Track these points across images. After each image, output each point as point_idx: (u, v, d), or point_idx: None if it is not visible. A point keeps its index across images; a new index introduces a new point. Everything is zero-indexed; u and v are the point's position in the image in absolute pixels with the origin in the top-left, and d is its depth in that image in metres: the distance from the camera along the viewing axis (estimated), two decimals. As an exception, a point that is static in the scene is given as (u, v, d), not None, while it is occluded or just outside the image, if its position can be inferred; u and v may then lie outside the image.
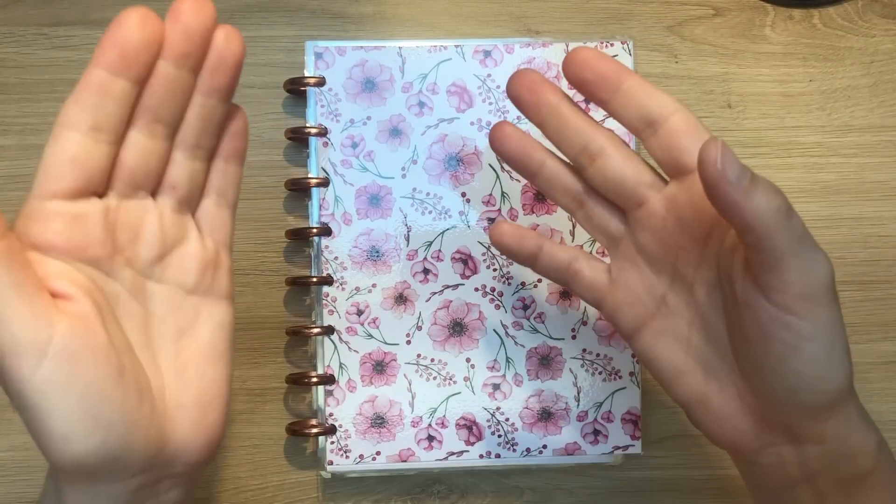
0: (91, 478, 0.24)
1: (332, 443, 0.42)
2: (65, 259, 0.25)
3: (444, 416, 0.42)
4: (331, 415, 0.42)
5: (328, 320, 0.42)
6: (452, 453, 0.42)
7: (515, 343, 0.43)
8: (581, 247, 0.43)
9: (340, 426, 0.42)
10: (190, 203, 0.28)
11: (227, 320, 0.29)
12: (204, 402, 0.27)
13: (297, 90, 0.43)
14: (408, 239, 0.43)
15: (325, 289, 0.42)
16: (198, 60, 0.26)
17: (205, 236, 0.29)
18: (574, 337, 0.43)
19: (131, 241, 0.26)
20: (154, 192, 0.27)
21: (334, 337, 0.42)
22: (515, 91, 0.32)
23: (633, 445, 0.43)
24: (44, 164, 0.25)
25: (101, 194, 0.26)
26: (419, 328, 0.42)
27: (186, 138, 0.27)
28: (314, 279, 0.42)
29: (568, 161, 0.33)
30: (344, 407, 0.42)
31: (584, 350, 0.43)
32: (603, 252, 0.43)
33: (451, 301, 0.43)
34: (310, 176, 0.42)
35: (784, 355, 0.27)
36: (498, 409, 0.43)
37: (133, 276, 0.27)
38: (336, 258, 0.42)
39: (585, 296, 0.34)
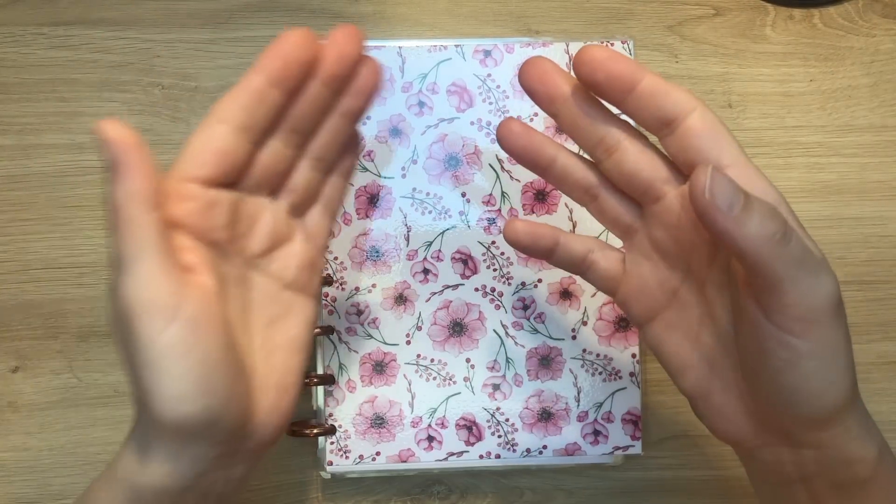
0: (185, 438, 0.26)
1: (332, 443, 0.42)
2: (190, 238, 0.27)
3: (444, 416, 0.42)
4: (330, 415, 0.42)
5: (328, 320, 0.42)
6: (452, 454, 0.42)
7: (515, 343, 0.43)
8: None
9: (340, 426, 0.42)
10: (301, 207, 0.31)
11: (312, 317, 0.32)
12: (282, 386, 0.30)
13: (296, 90, 0.43)
14: (408, 239, 0.42)
15: (325, 289, 0.42)
16: (343, 84, 0.28)
17: (308, 239, 0.31)
18: (574, 337, 0.43)
19: (246, 233, 0.29)
20: (273, 193, 0.30)
21: (334, 337, 0.42)
22: (527, 82, 0.31)
23: (633, 446, 0.43)
24: (190, 150, 0.27)
25: (232, 186, 0.28)
26: (419, 328, 0.42)
27: (315, 150, 0.30)
28: (314, 279, 0.42)
29: (580, 154, 0.32)
30: (344, 407, 0.42)
31: (584, 350, 0.43)
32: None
33: (451, 301, 0.43)
34: (310, 176, 0.42)
35: (781, 370, 0.26)
36: (498, 409, 0.43)
37: (241, 265, 0.29)
38: (336, 258, 0.42)
39: (599, 285, 0.34)
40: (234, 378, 0.27)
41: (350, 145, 0.32)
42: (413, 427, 0.42)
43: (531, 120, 0.43)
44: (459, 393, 0.42)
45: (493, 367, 0.43)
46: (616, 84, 0.28)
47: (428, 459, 0.42)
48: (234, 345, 0.27)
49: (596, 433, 0.43)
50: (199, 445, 0.26)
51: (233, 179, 0.28)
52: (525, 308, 0.43)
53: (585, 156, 0.32)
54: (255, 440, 0.29)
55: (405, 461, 0.42)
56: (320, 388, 0.42)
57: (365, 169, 0.42)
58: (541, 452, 0.42)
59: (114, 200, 0.25)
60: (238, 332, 0.28)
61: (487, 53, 0.43)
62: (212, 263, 0.27)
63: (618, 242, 0.38)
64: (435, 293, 0.43)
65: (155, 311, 0.24)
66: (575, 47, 0.43)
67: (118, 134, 0.25)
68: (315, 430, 0.41)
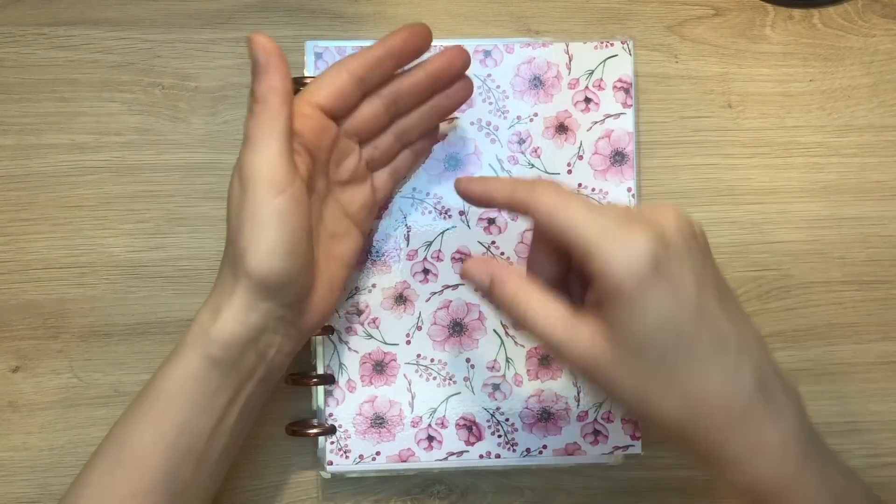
0: (263, 292, 0.32)
1: (332, 443, 0.42)
2: (301, 145, 0.34)
3: (444, 416, 0.42)
4: (330, 415, 0.42)
5: (328, 320, 0.42)
6: (452, 453, 0.42)
7: (515, 343, 0.43)
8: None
9: (340, 426, 0.42)
10: (375, 164, 0.39)
11: (360, 246, 0.39)
12: (331, 285, 0.36)
13: (297, 90, 0.43)
14: (408, 239, 0.42)
15: (325, 289, 0.42)
16: (443, 85, 0.38)
17: (373, 189, 0.39)
18: (574, 337, 0.43)
19: (337, 162, 0.37)
20: (362, 143, 0.38)
21: (334, 337, 0.42)
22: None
23: (633, 446, 0.43)
24: (321, 81, 0.35)
25: (337, 121, 0.36)
26: (419, 328, 0.42)
27: (404, 125, 0.38)
28: (314, 279, 0.42)
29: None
30: (344, 407, 0.42)
31: (584, 350, 0.43)
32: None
33: (451, 301, 0.43)
34: (310, 176, 0.42)
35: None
36: (498, 409, 0.43)
37: (325, 184, 0.37)
38: (336, 258, 0.42)
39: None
40: (309, 256, 0.33)
41: (430, 134, 0.40)
42: (413, 427, 0.42)
43: (531, 120, 0.43)
44: (459, 393, 0.42)
45: (493, 367, 0.43)
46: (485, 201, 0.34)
47: (428, 459, 0.42)
48: (312, 231, 0.34)
49: (596, 433, 0.43)
50: (271, 301, 0.33)
51: (341, 114, 0.36)
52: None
53: None
54: (306, 319, 0.35)
55: (405, 461, 0.42)
56: (320, 388, 0.42)
57: (365, 169, 0.42)
58: (541, 452, 0.42)
59: (256, 91, 0.32)
60: (312, 227, 0.35)
61: (487, 53, 0.43)
62: (309, 169, 0.34)
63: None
64: (435, 293, 0.43)
65: (272, 181, 0.31)
66: (575, 47, 0.43)
67: (266, 42, 0.32)
68: (315, 430, 0.41)
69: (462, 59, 0.37)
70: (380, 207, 0.41)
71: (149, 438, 0.33)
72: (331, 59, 0.42)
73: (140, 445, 0.33)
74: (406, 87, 0.37)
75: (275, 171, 0.31)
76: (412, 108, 0.38)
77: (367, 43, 0.42)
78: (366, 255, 0.42)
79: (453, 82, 0.38)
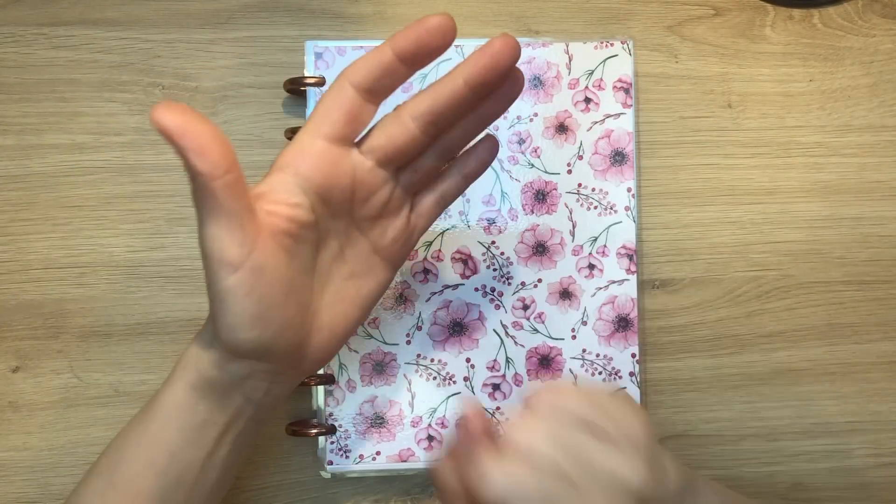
0: (237, 356, 0.30)
1: (332, 443, 0.42)
2: (311, 189, 0.30)
3: (444, 416, 0.42)
4: (331, 415, 0.42)
5: (328, 320, 0.42)
6: (452, 453, 0.42)
7: (515, 343, 0.43)
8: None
9: (340, 426, 0.42)
10: (416, 186, 0.34)
11: (386, 283, 0.35)
12: (336, 332, 0.33)
13: (297, 90, 0.43)
14: (408, 239, 0.42)
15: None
16: (489, 90, 0.31)
17: (412, 218, 0.34)
18: (574, 337, 0.43)
19: (363, 199, 0.32)
20: (400, 169, 0.33)
21: (334, 337, 0.42)
22: None
23: (633, 445, 0.43)
24: (324, 107, 0.30)
25: (360, 151, 0.31)
26: (419, 328, 0.42)
27: (446, 144, 0.33)
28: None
29: None
30: (344, 407, 0.42)
31: (584, 350, 0.43)
32: (603, 251, 0.43)
33: (451, 301, 0.43)
34: (310, 176, 0.42)
35: None
36: (498, 409, 0.43)
37: (347, 223, 0.33)
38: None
39: None
40: (290, 318, 0.30)
41: (481, 150, 0.35)
42: (413, 427, 0.42)
43: (531, 120, 0.43)
44: (459, 393, 0.42)
45: (493, 367, 0.43)
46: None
47: (428, 459, 0.42)
48: (295, 288, 0.30)
49: (596, 433, 0.43)
50: (249, 360, 0.31)
51: (356, 136, 0.31)
52: (525, 308, 0.43)
53: None
54: (299, 368, 0.33)
55: (405, 461, 0.42)
56: (320, 388, 0.42)
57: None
58: (541, 452, 0.42)
59: (187, 170, 0.27)
60: (315, 276, 0.32)
61: (487, 53, 0.43)
62: (314, 215, 0.31)
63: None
64: (435, 293, 0.43)
65: (221, 261, 0.28)
66: (575, 47, 0.43)
67: (171, 121, 0.26)
68: (315, 430, 0.41)
69: (510, 52, 0.29)
70: (418, 235, 0.35)
71: (141, 464, 0.32)
72: (330, 59, 0.42)
73: (132, 470, 0.32)
74: (443, 103, 0.30)
75: (223, 251, 0.28)
76: (454, 123, 0.32)
77: (368, 43, 0.43)
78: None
79: (502, 82, 0.31)
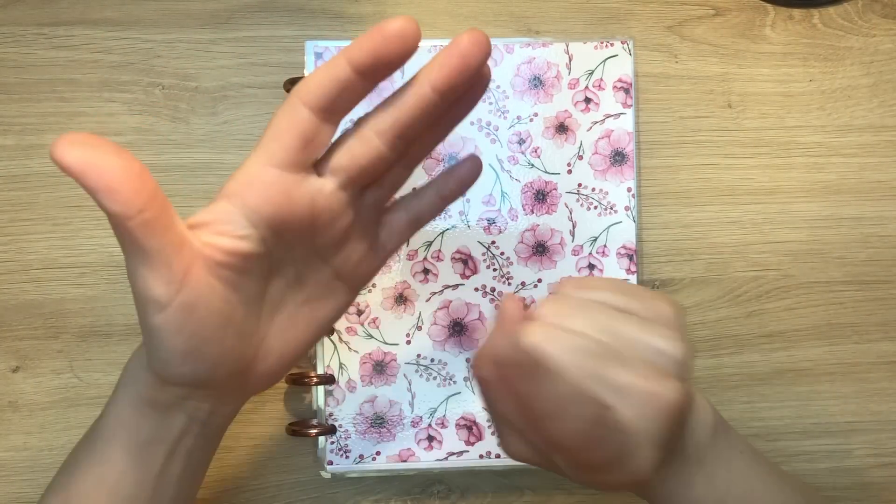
0: (172, 385, 0.29)
1: (332, 443, 0.42)
2: (261, 222, 0.27)
3: (444, 416, 0.42)
4: (331, 415, 0.42)
5: (328, 320, 0.42)
6: (452, 453, 0.42)
7: (515, 343, 0.43)
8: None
9: (340, 426, 0.42)
10: (383, 202, 0.31)
11: (345, 307, 0.33)
12: (284, 357, 0.31)
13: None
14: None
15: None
16: (458, 92, 0.27)
17: (382, 241, 0.32)
18: (574, 337, 0.43)
19: (325, 226, 0.29)
20: (364, 188, 0.30)
21: (334, 337, 0.42)
22: None
23: (633, 445, 0.43)
24: (275, 130, 0.27)
25: (319, 173, 0.28)
26: (419, 328, 0.42)
27: (412, 155, 0.31)
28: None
29: None
30: (344, 407, 0.42)
31: (584, 350, 0.43)
32: (603, 252, 0.43)
33: (451, 301, 0.43)
34: (310, 176, 0.42)
35: None
36: (498, 409, 0.43)
37: (306, 251, 0.30)
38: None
39: None
40: (228, 349, 0.28)
41: (462, 172, 0.32)
42: (413, 427, 0.42)
43: (531, 120, 0.43)
44: (459, 393, 0.42)
45: (493, 367, 0.43)
46: None
47: (428, 459, 0.42)
48: (234, 320, 0.28)
49: (596, 433, 0.43)
50: (187, 392, 0.30)
51: (313, 160, 0.28)
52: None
53: None
54: (243, 392, 0.31)
55: (405, 461, 0.42)
56: (320, 388, 0.42)
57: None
58: (541, 452, 0.42)
59: (105, 212, 0.25)
60: (264, 303, 0.30)
61: (487, 53, 0.43)
62: (265, 250, 0.28)
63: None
64: (435, 293, 0.43)
65: (146, 300, 0.26)
66: (575, 47, 0.43)
67: (74, 158, 0.23)
68: (315, 430, 0.41)
69: (480, 50, 0.26)
70: (387, 256, 0.33)
71: (91, 482, 0.31)
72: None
73: (84, 488, 0.31)
74: (410, 114, 0.27)
75: (147, 290, 0.26)
76: (422, 134, 0.30)
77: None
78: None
79: (472, 83, 0.28)
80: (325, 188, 0.28)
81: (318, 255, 0.30)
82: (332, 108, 0.27)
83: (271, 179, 0.27)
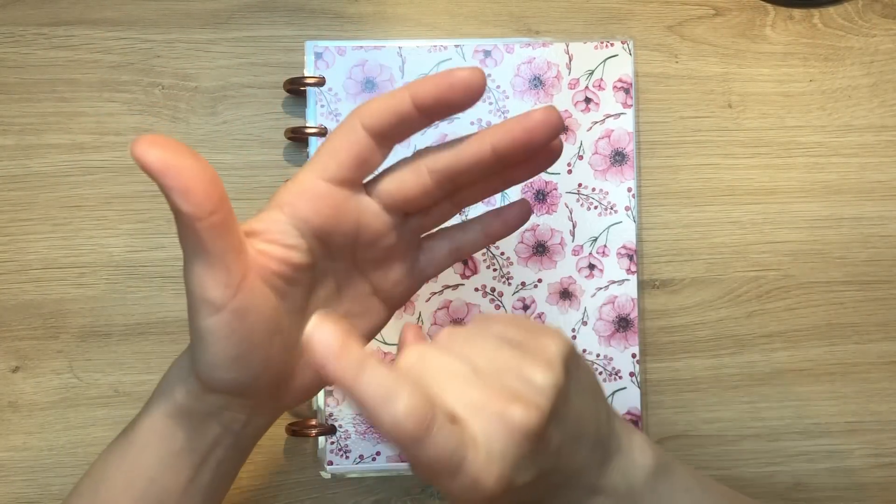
0: (214, 391, 0.29)
1: (332, 443, 0.42)
2: (309, 232, 0.29)
3: (444, 416, 0.42)
4: (330, 415, 0.42)
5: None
6: (452, 453, 0.42)
7: (515, 343, 0.43)
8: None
9: (340, 426, 0.42)
10: (426, 229, 0.32)
11: (382, 324, 0.33)
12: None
13: (297, 90, 0.43)
14: (408, 239, 0.42)
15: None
16: (518, 158, 0.29)
17: (421, 265, 0.33)
18: (574, 337, 0.43)
19: (368, 244, 0.30)
20: (409, 215, 0.31)
21: (334, 337, 0.42)
22: None
23: (633, 445, 0.43)
24: (332, 146, 0.28)
25: (368, 193, 0.30)
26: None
27: (461, 198, 0.32)
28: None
29: None
30: (344, 407, 0.42)
31: (585, 350, 0.43)
32: (603, 251, 0.43)
33: (451, 301, 0.43)
34: (310, 176, 0.42)
35: None
36: (498, 409, 0.42)
37: (348, 265, 0.31)
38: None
39: None
40: (272, 358, 0.29)
41: (512, 217, 0.33)
42: (413, 427, 0.42)
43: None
44: (459, 393, 0.42)
45: (493, 367, 0.43)
46: None
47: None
48: (282, 329, 0.29)
49: (596, 433, 0.43)
50: (226, 395, 0.30)
51: (362, 179, 0.29)
52: (525, 308, 0.43)
53: None
54: (283, 400, 0.31)
55: (405, 461, 0.42)
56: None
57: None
58: (541, 452, 0.42)
59: (172, 208, 0.26)
60: (306, 317, 0.30)
61: (487, 53, 0.43)
62: (312, 261, 0.29)
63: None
64: (435, 293, 0.43)
65: (202, 301, 0.27)
66: (575, 47, 0.43)
67: (154, 158, 0.24)
68: (315, 430, 0.41)
69: (548, 129, 0.28)
70: (424, 280, 0.34)
71: (120, 488, 0.31)
72: (331, 59, 0.42)
73: (112, 494, 0.31)
74: (465, 163, 0.29)
75: (205, 291, 0.26)
76: (475, 181, 0.31)
77: (367, 43, 0.43)
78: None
79: (536, 155, 0.30)
80: (371, 207, 0.30)
81: (358, 270, 0.31)
82: (388, 134, 0.28)
83: (323, 192, 0.28)
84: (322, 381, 0.32)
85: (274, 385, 0.30)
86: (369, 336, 0.33)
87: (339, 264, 0.31)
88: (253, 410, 0.31)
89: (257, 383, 0.29)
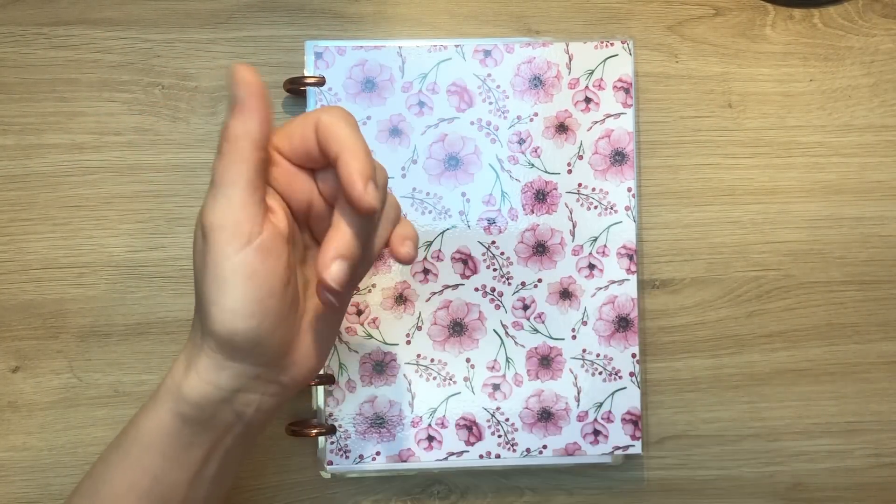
0: (232, 352, 0.29)
1: (332, 443, 0.42)
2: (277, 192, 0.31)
3: (444, 416, 0.42)
4: (330, 415, 0.42)
5: (328, 320, 0.42)
6: (452, 453, 0.42)
7: (515, 343, 0.43)
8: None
9: (340, 426, 0.42)
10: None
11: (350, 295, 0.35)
12: (318, 339, 0.33)
13: (297, 90, 0.43)
14: (408, 239, 0.42)
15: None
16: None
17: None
18: (574, 337, 0.43)
19: (318, 219, 0.32)
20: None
21: (334, 337, 0.42)
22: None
23: (633, 445, 0.43)
24: (286, 127, 0.30)
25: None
26: (419, 328, 0.42)
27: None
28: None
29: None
30: (344, 407, 0.42)
31: (584, 350, 0.43)
32: (603, 251, 0.43)
33: (451, 301, 0.43)
34: (310, 176, 0.42)
35: None
36: (498, 409, 0.43)
37: (310, 236, 0.33)
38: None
39: None
40: (286, 310, 0.30)
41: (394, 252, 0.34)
42: (413, 427, 0.42)
43: (531, 120, 0.43)
44: (459, 393, 0.42)
45: (493, 367, 0.43)
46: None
47: (428, 459, 0.42)
48: (291, 281, 0.30)
49: (596, 433, 0.43)
50: (242, 362, 0.30)
51: (305, 166, 0.31)
52: (525, 308, 0.43)
53: None
54: (289, 375, 0.32)
55: (405, 461, 0.42)
56: (320, 388, 0.42)
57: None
58: (541, 452, 0.42)
59: (229, 131, 0.28)
60: (297, 276, 0.32)
61: (487, 53, 0.43)
62: (289, 218, 0.31)
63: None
64: (435, 293, 0.43)
65: (235, 231, 0.28)
66: (575, 47, 0.43)
67: (250, 78, 0.28)
68: (315, 430, 0.41)
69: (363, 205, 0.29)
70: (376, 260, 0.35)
71: (123, 487, 0.31)
72: (331, 58, 0.42)
73: (114, 493, 0.32)
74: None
75: (239, 219, 0.28)
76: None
77: (367, 43, 0.43)
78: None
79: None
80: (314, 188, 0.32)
81: (315, 241, 0.33)
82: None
83: (276, 159, 0.31)
84: (322, 355, 0.33)
85: (284, 344, 0.31)
86: (329, 334, 0.34)
87: (302, 234, 0.33)
88: (264, 386, 0.31)
89: (272, 338, 0.29)
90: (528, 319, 0.43)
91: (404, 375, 0.42)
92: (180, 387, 0.30)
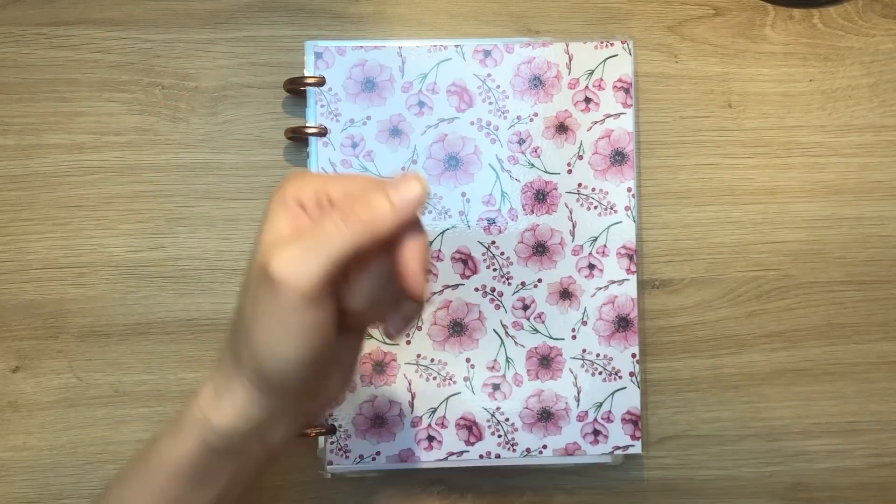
0: (273, 390, 0.30)
1: (332, 443, 0.42)
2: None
3: (444, 416, 0.42)
4: (331, 415, 0.42)
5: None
6: (452, 453, 0.42)
7: (515, 343, 0.43)
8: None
9: (340, 426, 0.42)
10: None
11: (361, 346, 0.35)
12: (343, 372, 0.33)
13: (297, 90, 0.43)
14: (408, 239, 0.42)
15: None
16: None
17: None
18: (574, 337, 0.43)
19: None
20: None
21: (334, 337, 0.42)
22: None
23: (633, 445, 0.43)
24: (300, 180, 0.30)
25: None
26: (419, 328, 0.42)
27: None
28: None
29: None
30: (344, 407, 0.42)
31: (584, 350, 0.43)
32: (603, 251, 0.43)
33: (451, 301, 0.43)
34: (310, 176, 0.42)
35: None
36: (498, 409, 0.43)
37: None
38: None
39: None
40: (327, 361, 0.30)
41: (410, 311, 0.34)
42: (413, 427, 0.42)
43: (531, 120, 0.43)
44: (459, 393, 0.42)
45: (493, 367, 0.43)
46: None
47: (428, 459, 0.42)
48: (332, 336, 0.30)
49: (596, 433, 0.43)
50: (281, 398, 0.30)
51: None
52: (525, 308, 0.43)
53: None
54: (317, 404, 0.33)
55: (405, 461, 0.42)
56: (320, 388, 0.42)
57: (365, 169, 0.42)
58: (541, 452, 0.42)
59: (375, 213, 0.28)
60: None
61: (487, 53, 0.43)
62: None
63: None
64: (435, 293, 0.43)
65: (313, 296, 0.27)
66: (575, 47, 0.43)
67: (423, 200, 0.29)
68: (315, 430, 0.41)
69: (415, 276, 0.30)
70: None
71: None
72: (331, 59, 0.42)
73: None
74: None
75: (322, 284, 0.28)
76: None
77: (367, 43, 0.43)
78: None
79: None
80: None
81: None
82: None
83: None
84: (346, 385, 0.34)
85: (320, 380, 0.31)
86: (353, 365, 0.34)
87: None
88: (291, 418, 0.32)
89: (315, 379, 0.30)
90: (528, 319, 0.43)
91: (404, 375, 0.42)
92: (209, 417, 0.30)
